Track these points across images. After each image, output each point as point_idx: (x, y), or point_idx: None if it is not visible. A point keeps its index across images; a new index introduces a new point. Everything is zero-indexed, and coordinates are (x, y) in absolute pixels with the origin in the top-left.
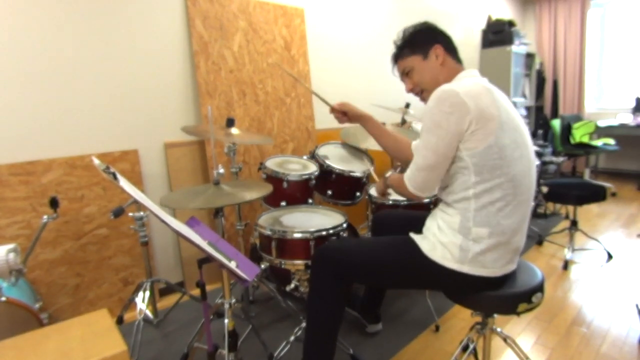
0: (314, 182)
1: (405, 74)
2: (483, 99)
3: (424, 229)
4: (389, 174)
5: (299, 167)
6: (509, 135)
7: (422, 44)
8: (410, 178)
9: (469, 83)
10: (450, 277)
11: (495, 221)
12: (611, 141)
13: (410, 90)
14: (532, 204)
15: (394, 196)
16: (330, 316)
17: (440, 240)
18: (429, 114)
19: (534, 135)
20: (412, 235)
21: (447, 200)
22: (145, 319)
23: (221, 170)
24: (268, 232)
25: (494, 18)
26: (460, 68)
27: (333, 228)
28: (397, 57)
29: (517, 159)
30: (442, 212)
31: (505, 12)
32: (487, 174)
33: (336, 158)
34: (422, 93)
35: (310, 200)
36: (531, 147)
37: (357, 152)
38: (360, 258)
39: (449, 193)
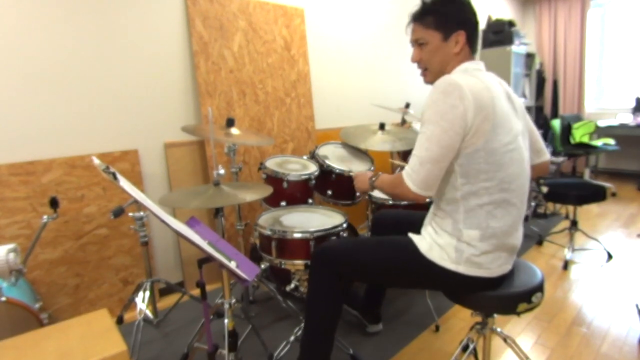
0: (313, 182)
1: (417, 43)
2: (484, 98)
3: (422, 229)
4: (374, 174)
5: (299, 167)
6: (502, 138)
7: (448, 22)
8: (412, 174)
9: (471, 79)
10: (447, 277)
11: (485, 224)
12: (611, 141)
13: (416, 62)
14: (526, 205)
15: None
16: (328, 313)
17: (437, 242)
18: (434, 105)
19: None
20: (411, 235)
21: (438, 202)
22: (145, 319)
23: (221, 171)
24: (268, 232)
25: (494, 18)
26: (472, 59)
27: (333, 228)
28: (417, 19)
29: (507, 162)
30: (434, 215)
31: (505, 12)
32: (472, 178)
33: (336, 158)
34: (425, 70)
35: (310, 200)
36: (525, 149)
37: (357, 152)
38: (359, 256)
39: (438, 195)
